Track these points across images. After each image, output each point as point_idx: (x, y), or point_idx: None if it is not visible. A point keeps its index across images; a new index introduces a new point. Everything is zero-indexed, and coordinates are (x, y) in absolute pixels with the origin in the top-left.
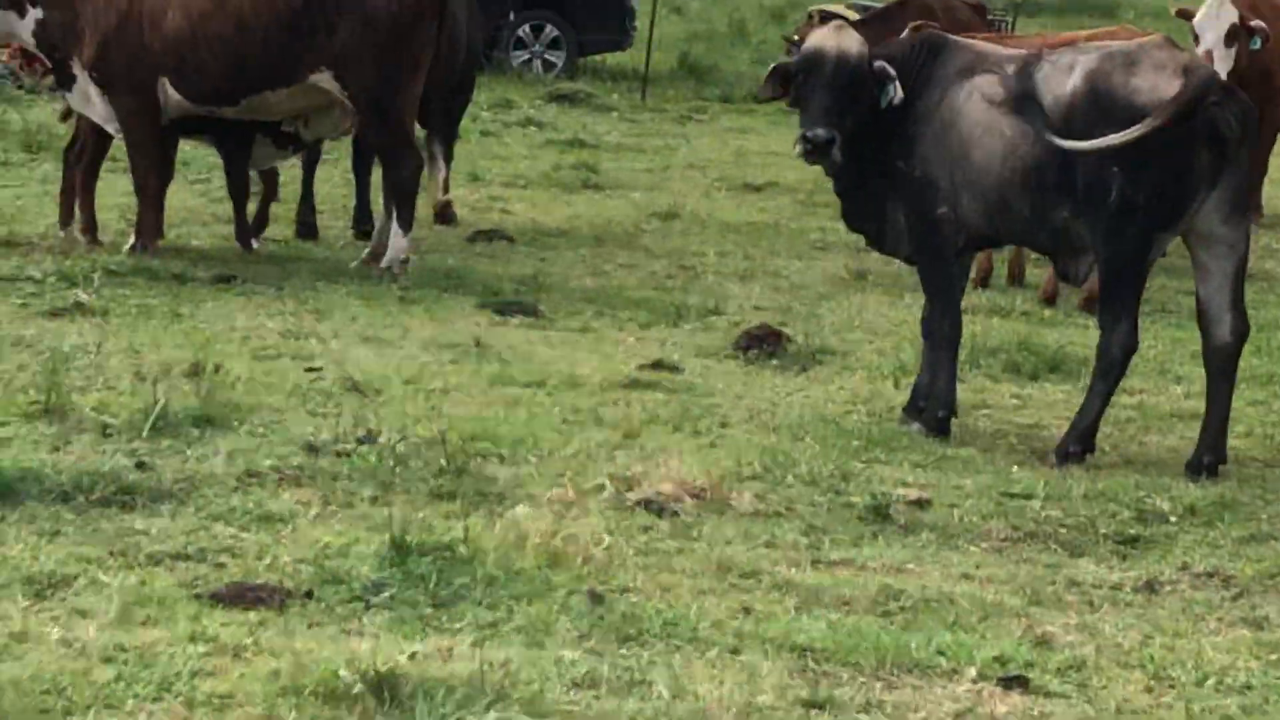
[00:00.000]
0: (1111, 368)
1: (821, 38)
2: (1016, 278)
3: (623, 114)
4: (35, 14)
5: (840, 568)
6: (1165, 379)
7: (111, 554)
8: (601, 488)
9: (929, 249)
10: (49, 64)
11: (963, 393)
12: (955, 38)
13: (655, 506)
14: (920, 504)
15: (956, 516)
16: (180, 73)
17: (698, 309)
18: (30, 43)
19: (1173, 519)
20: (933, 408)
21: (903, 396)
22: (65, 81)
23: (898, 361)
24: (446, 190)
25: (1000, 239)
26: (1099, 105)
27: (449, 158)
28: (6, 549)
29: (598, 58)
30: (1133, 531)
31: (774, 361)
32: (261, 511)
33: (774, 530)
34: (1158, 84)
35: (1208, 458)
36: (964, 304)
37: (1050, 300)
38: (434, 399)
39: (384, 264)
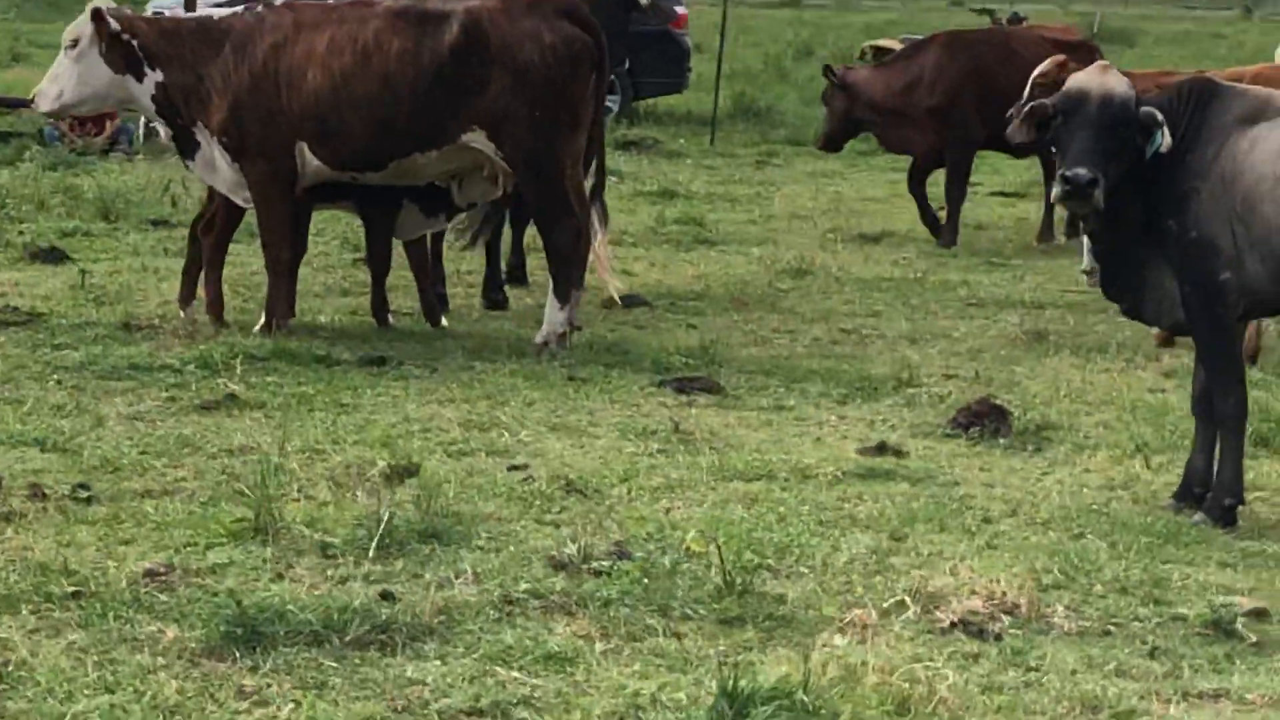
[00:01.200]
0: None
1: (1085, 77)
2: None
3: (696, 161)
4: (155, 77)
5: (1219, 702)
6: None
7: (396, 711)
8: (902, 605)
9: (1208, 319)
10: (100, 125)
11: None
12: (1228, 83)
13: (974, 629)
14: (1259, 614)
15: None
16: (320, 137)
17: (889, 380)
18: (149, 109)
19: None
20: (1218, 495)
21: (1161, 479)
22: (188, 149)
23: (1135, 437)
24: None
25: None
26: None
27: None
28: (275, 710)
29: (649, 101)
30: None
31: (1001, 441)
32: (542, 650)
33: (1116, 655)
34: None
35: None
36: (1173, 367)
37: (1252, 359)
38: (661, 498)
39: (540, 339)
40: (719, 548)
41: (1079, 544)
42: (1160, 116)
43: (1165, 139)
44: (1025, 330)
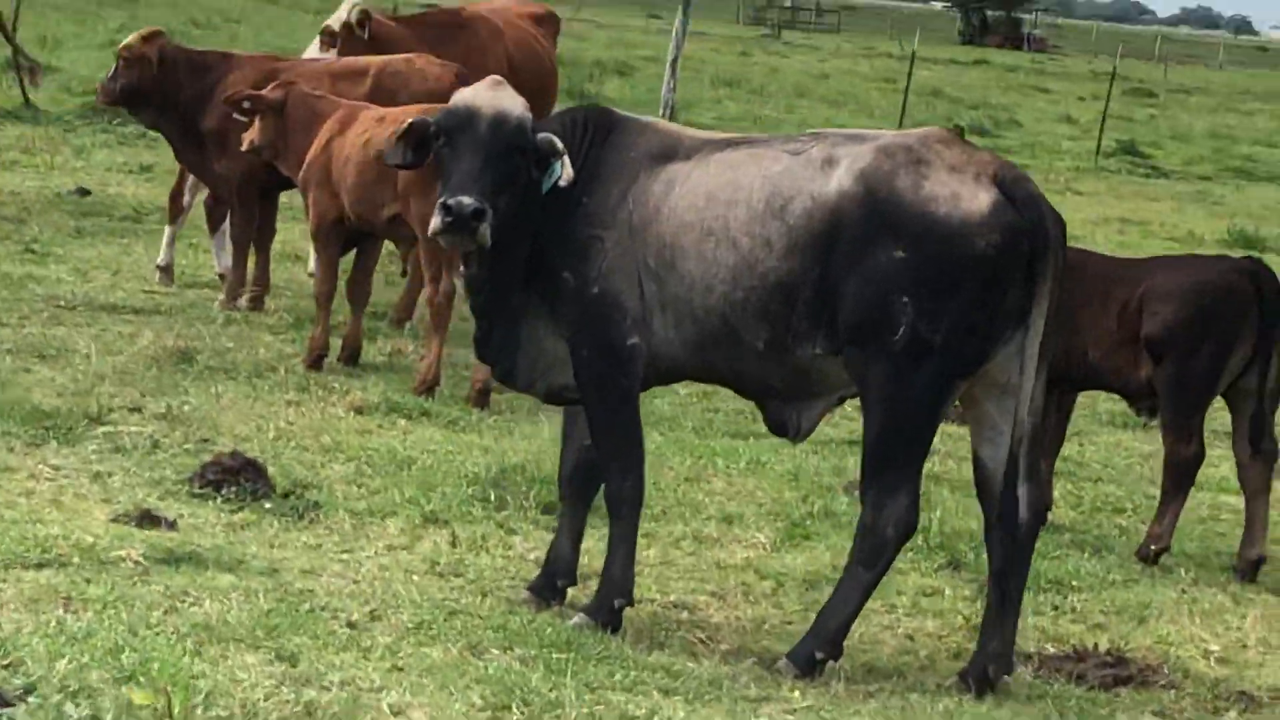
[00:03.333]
0: (880, 552)
1: (475, 94)
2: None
3: None
4: None
5: None
6: None
7: None
8: None
9: (607, 389)
10: None
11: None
12: (627, 114)
13: None
14: None
15: None
16: None
17: (75, 415)
18: None
19: None
20: (608, 594)
21: (485, 560)
22: None
23: (409, 499)
24: None
25: (704, 375)
26: (881, 217)
27: None
28: None
29: None
30: None
31: (267, 505)
32: None
33: None
34: (960, 192)
35: (992, 668)
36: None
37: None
38: None
39: None
40: (169, 699)
41: (496, 664)
42: (560, 145)
43: (566, 171)
44: (166, 346)
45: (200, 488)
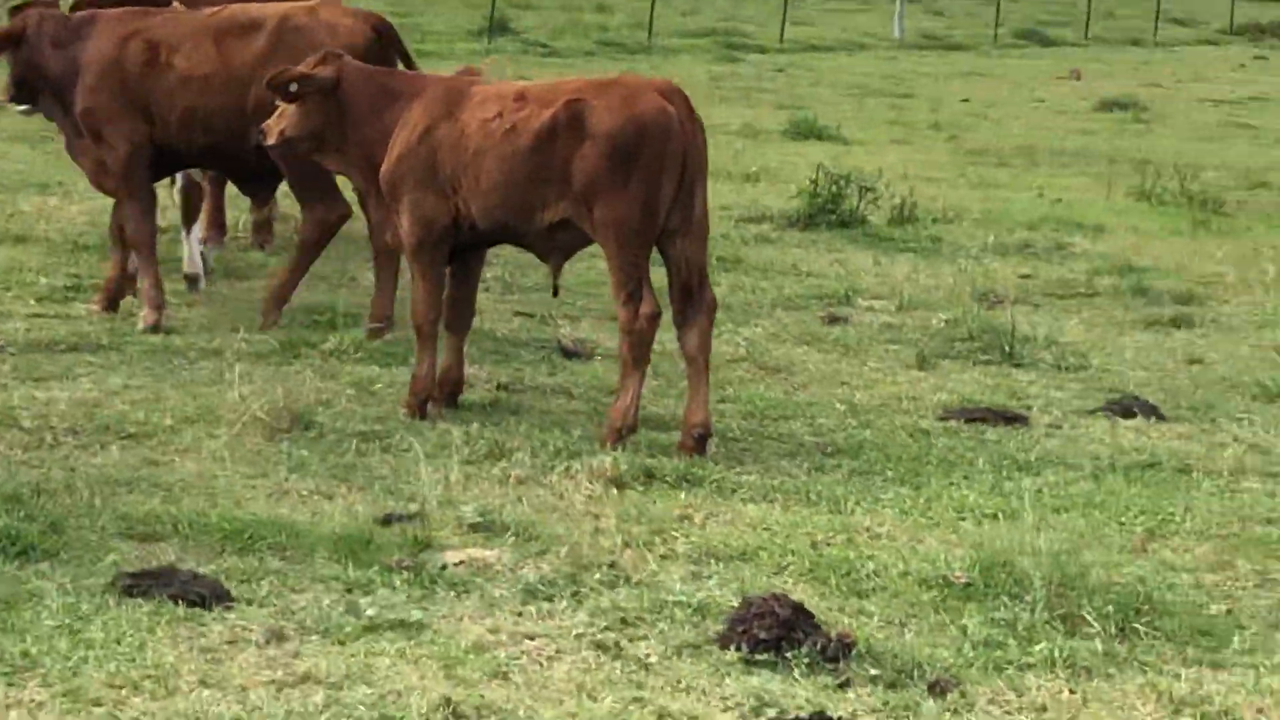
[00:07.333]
0: None
1: None
2: None
3: None
4: None
5: None
6: None
7: None
8: None
9: None
10: None
11: None
12: None
13: None
14: None
15: None
16: None
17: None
18: None
19: None
20: None
21: None
22: None
23: (982, 645)
24: None
25: None
26: None
27: None
28: None
29: None
30: None
31: (872, 671)
32: None
33: None
34: None
35: None
36: None
37: None
38: None
39: None
40: None
41: None
42: None
43: None
44: (273, 408)
45: (753, 650)
